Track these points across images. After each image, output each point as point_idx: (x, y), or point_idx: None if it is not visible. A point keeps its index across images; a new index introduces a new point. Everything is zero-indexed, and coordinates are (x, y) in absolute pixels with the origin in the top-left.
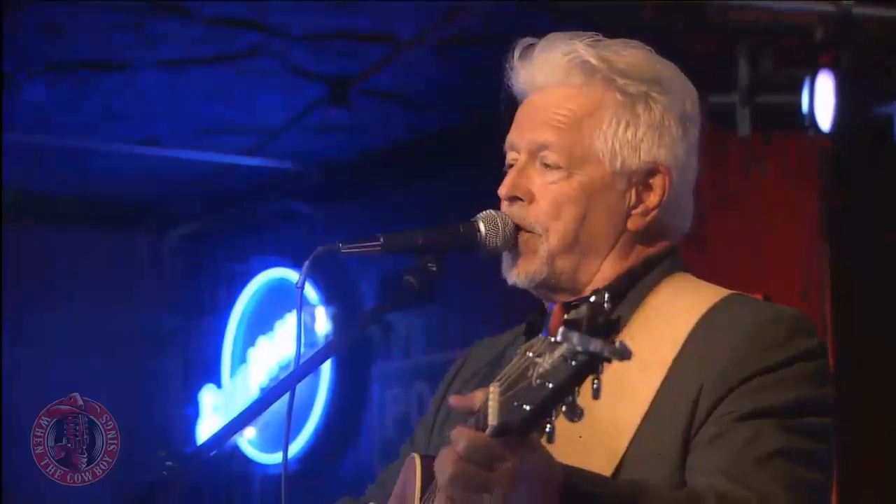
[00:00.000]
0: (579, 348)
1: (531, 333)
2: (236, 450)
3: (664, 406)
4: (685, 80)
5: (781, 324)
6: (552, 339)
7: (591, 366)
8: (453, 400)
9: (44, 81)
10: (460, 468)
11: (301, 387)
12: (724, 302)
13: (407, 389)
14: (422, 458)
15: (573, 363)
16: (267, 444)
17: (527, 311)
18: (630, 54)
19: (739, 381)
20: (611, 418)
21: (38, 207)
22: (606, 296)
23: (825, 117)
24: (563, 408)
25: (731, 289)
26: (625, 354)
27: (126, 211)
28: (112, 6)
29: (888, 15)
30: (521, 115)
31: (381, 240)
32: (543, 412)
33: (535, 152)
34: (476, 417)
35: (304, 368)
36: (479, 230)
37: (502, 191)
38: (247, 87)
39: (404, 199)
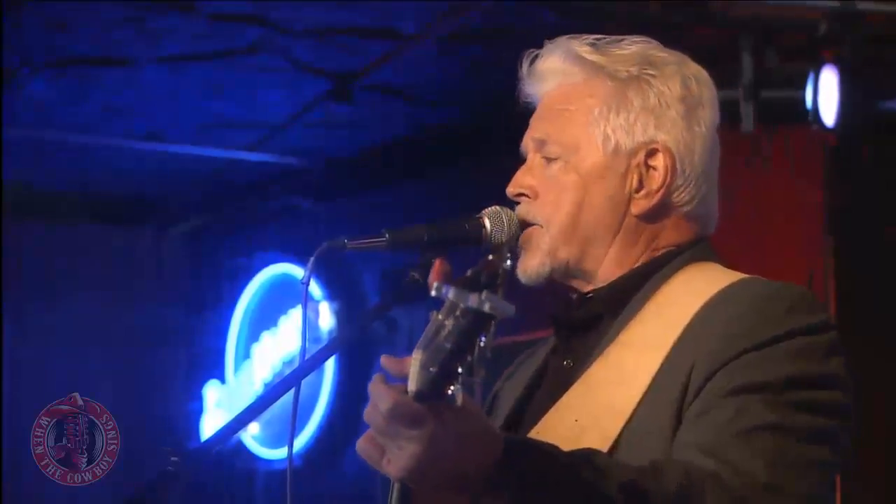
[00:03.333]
0: (461, 304)
1: (557, 327)
2: (240, 446)
3: (660, 387)
4: (691, 66)
5: (781, 299)
6: (442, 298)
7: (479, 323)
8: (384, 360)
9: (46, 77)
10: (382, 424)
11: (304, 382)
12: (733, 284)
13: None
14: None
15: (464, 322)
16: (271, 440)
17: (531, 306)
18: (627, 44)
19: (731, 356)
20: (608, 401)
21: (41, 204)
22: (507, 254)
23: (829, 112)
24: (459, 369)
25: None
26: (503, 309)
27: (129, 207)
28: (114, 2)
29: (892, 9)
30: (532, 119)
31: (387, 235)
32: (446, 374)
33: (538, 149)
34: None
35: (309, 364)
36: (483, 226)
37: (508, 189)
38: (249, 82)
39: (407, 194)
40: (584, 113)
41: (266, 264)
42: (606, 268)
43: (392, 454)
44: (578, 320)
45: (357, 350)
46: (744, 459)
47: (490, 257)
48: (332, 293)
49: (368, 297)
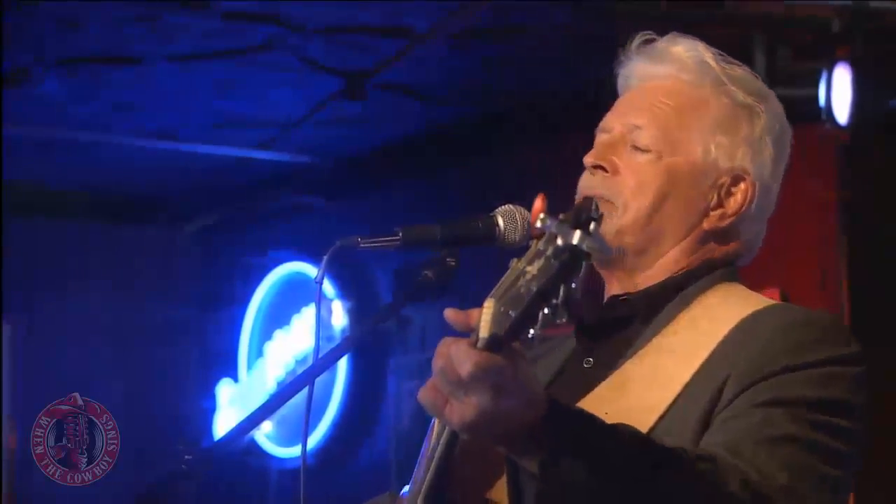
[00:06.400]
0: (560, 241)
1: (580, 330)
2: (253, 444)
3: (692, 394)
4: (782, 110)
5: (816, 327)
6: (537, 242)
7: (572, 263)
8: (448, 312)
9: (57, 75)
10: (458, 381)
11: (317, 380)
12: (768, 307)
13: (423, 383)
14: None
15: (556, 262)
16: (284, 439)
17: None
18: (741, 69)
19: (765, 374)
20: (640, 402)
21: (52, 202)
22: (595, 202)
23: (842, 110)
24: (546, 310)
25: (750, 281)
26: (604, 248)
27: (140, 205)
28: (126, 0)
29: None
30: (625, 100)
31: (400, 234)
32: (529, 316)
33: (627, 132)
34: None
35: (322, 363)
36: (497, 225)
37: (588, 159)
38: (261, 81)
39: (419, 192)
40: (696, 120)
41: (278, 263)
42: (659, 268)
43: (456, 404)
44: (610, 321)
45: (370, 349)
46: (766, 463)
47: (584, 197)
48: (345, 292)
49: (381, 295)
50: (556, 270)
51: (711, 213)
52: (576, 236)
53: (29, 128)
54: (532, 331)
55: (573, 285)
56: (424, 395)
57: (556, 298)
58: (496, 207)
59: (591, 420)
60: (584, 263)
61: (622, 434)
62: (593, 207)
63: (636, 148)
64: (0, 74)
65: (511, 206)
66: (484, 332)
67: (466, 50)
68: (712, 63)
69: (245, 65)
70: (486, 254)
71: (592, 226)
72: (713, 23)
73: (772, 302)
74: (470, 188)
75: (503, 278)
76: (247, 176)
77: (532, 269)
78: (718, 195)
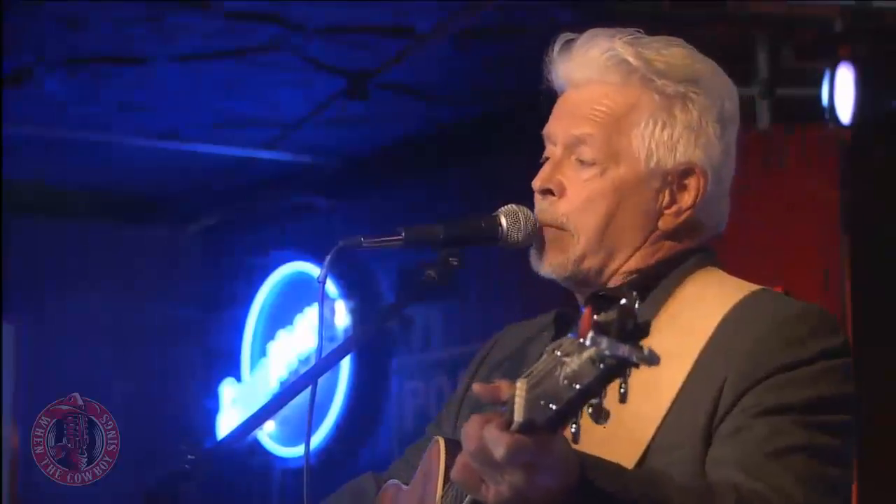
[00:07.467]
0: (608, 353)
1: (560, 327)
2: (256, 444)
3: (688, 399)
4: (724, 79)
5: (805, 320)
6: (581, 342)
7: (618, 370)
8: (476, 387)
9: (61, 75)
10: (494, 464)
11: (320, 380)
12: (751, 297)
13: (426, 383)
14: (446, 442)
15: (601, 366)
16: (287, 438)
17: (546, 304)
18: (670, 53)
19: (761, 376)
20: (636, 411)
21: (55, 202)
22: (636, 298)
23: (845, 110)
24: (589, 409)
25: (753, 281)
26: (653, 361)
27: (143, 205)
28: (129, 0)
29: None
30: (559, 108)
31: (402, 233)
32: (569, 413)
33: (571, 147)
34: (501, 410)
35: (325, 363)
36: (500, 224)
37: (535, 183)
38: (264, 81)
39: (422, 192)
40: (631, 124)
41: (281, 262)
42: (621, 272)
43: (492, 484)
44: None
45: (373, 349)
46: (780, 478)
47: (623, 302)
48: (348, 291)
49: (384, 295)
50: (601, 374)
51: (666, 213)
52: (625, 350)
53: (31, 127)
54: (574, 426)
55: (623, 390)
56: (458, 474)
57: (599, 398)
58: (499, 207)
59: (618, 479)
60: (629, 370)
61: (652, 485)
62: (636, 313)
63: (581, 162)
64: (2, 74)
65: (514, 205)
66: (518, 416)
67: (468, 50)
68: (634, 61)
69: (247, 65)
70: (489, 254)
71: (647, 350)
72: (715, 22)
73: (753, 287)
74: (472, 188)
75: (538, 363)
76: (249, 176)
77: (571, 364)
78: (671, 193)
